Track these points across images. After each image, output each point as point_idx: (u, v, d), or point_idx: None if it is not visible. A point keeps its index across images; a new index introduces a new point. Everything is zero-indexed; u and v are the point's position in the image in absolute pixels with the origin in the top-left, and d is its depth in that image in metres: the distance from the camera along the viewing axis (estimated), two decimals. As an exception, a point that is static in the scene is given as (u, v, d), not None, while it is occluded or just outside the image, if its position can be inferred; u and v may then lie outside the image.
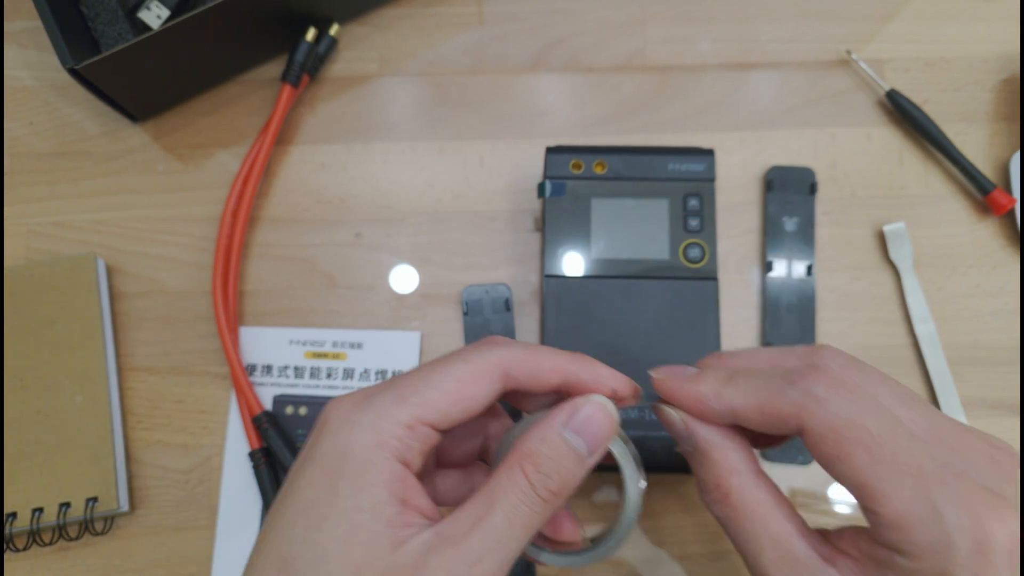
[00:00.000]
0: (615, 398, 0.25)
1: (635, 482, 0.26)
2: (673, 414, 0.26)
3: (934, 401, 0.44)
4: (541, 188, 0.42)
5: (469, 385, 0.24)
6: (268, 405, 0.44)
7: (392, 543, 0.21)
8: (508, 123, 0.48)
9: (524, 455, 0.23)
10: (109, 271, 0.46)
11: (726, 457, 0.26)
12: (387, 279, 0.46)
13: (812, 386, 0.24)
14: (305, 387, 0.45)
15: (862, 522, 0.25)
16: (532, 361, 0.25)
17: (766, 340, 0.44)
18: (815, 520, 0.43)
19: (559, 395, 0.26)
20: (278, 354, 0.45)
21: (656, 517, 0.43)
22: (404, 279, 0.46)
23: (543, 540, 0.28)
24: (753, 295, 0.46)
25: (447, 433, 0.25)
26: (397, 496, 0.22)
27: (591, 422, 0.24)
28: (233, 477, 0.43)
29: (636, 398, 0.26)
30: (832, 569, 0.24)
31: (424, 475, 0.26)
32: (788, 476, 0.43)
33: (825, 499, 0.43)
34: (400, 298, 0.46)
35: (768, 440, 0.29)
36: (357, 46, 0.50)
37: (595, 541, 0.27)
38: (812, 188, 0.46)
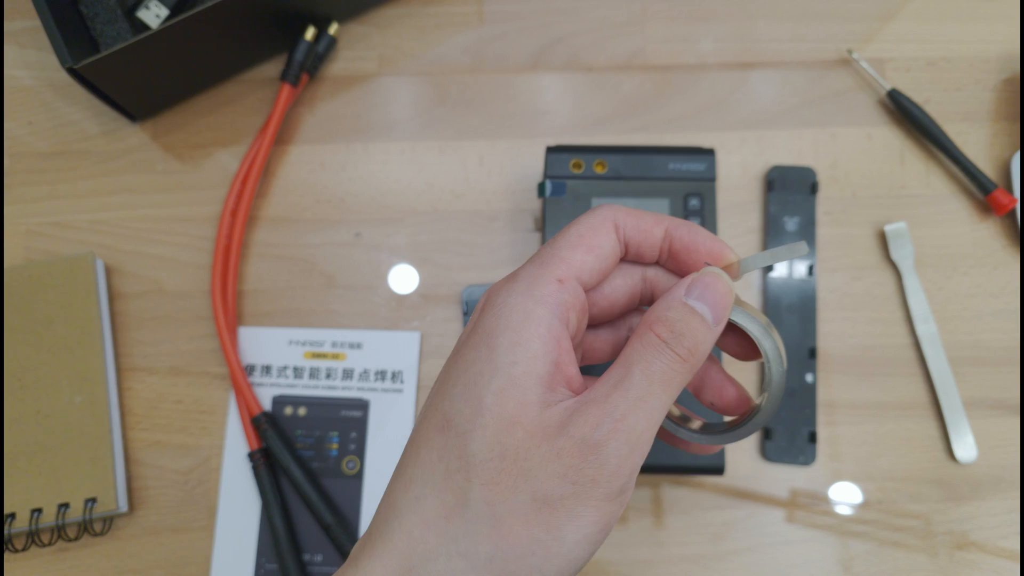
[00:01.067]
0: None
1: (775, 352, 0.25)
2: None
3: (934, 401, 0.44)
4: (541, 188, 0.42)
5: (592, 236, 0.25)
6: (267, 405, 0.44)
7: (541, 402, 0.22)
8: (508, 123, 0.48)
9: (653, 321, 0.24)
10: (108, 271, 0.46)
11: None
12: (387, 279, 0.46)
13: None
14: (304, 387, 0.45)
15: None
16: (634, 213, 0.26)
17: (767, 340, 0.44)
18: (815, 520, 0.42)
19: None
20: (277, 354, 0.45)
21: (657, 517, 0.43)
22: (404, 279, 0.46)
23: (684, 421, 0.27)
24: (754, 295, 0.45)
25: (593, 295, 0.26)
26: (551, 356, 0.23)
27: (710, 289, 0.24)
28: (232, 477, 0.43)
29: (738, 269, 0.26)
30: None
31: (577, 348, 0.26)
32: (788, 476, 0.43)
33: (825, 499, 0.43)
34: (400, 298, 0.46)
35: None
36: (357, 45, 0.49)
37: (737, 422, 0.27)
38: (813, 188, 0.46)
